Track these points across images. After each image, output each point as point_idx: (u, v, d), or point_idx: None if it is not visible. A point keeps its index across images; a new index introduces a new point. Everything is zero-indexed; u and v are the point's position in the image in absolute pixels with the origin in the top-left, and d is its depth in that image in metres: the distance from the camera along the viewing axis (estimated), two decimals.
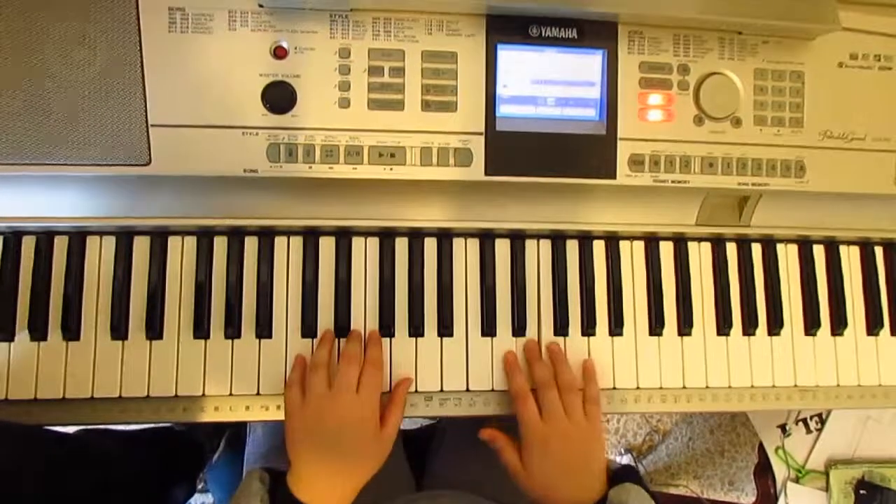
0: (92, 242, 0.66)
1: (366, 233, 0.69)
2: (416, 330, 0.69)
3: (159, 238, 0.67)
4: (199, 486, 1.16)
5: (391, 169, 0.64)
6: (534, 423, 0.64)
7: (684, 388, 0.71)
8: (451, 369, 0.69)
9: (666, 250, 0.73)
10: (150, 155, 0.61)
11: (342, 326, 0.68)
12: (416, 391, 0.68)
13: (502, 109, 0.65)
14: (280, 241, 0.68)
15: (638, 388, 0.71)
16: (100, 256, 0.66)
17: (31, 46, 0.59)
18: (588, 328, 0.71)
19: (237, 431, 1.05)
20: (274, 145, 0.62)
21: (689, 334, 0.72)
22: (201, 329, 0.66)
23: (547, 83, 0.66)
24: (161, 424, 1.03)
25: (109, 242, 0.67)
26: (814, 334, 0.74)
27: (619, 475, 0.62)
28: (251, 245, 0.68)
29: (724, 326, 0.73)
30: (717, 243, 0.74)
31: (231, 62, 0.61)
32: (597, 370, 0.69)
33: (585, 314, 0.71)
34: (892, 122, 0.70)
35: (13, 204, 0.64)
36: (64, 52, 0.60)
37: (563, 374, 0.67)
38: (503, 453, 0.65)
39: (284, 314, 0.67)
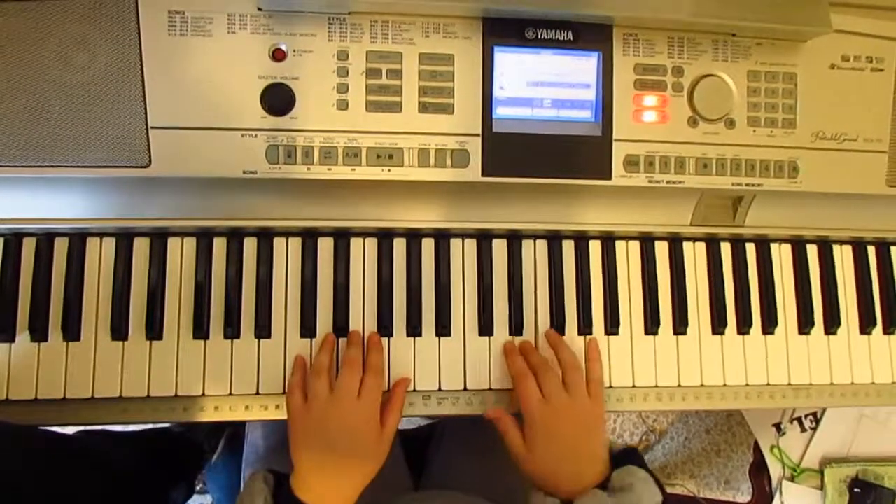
0: (92, 244, 0.67)
1: (364, 233, 0.70)
2: (414, 330, 0.69)
3: (159, 239, 0.67)
4: (198, 487, 1.16)
5: (389, 170, 0.64)
6: (535, 401, 0.63)
7: (679, 386, 0.72)
8: (449, 369, 0.69)
9: (661, 250, 0.74)
10: (149, 157, 0.62)
11: (341, 326, 0.68)
12: (415, 390, 0.68)
13: (499, 111, 0.66)
14: (279, 242, 0.69)
15: (634, 386, 0.71)
16: (100, 257, 0.67)
17: (32, 49, 0.60)
18: (584, 327, 0.71)
19: (236, 432, 1.05)
20: (273, 147, 0.63)
21: (684, 333, 0.73)
22: (201, 329, 0.66)
23: (543, 85, 0.66)
24: (160, 426, 1.03)
25: (109, 244, 0.67)
26: (807, 333, 0.75)
27: (621, 457, 0.61)
28: (250, 246, 0.68)
29: (718, 325, 0.73)
30: (712, 243, 0.75)
31: (230, 64, 0.62)
32: None
33: (581, 313, 0.71)
34: (883, 123, 0.71)
35: (14, 205, 0.64)
36: (64, 54, 0.60)
37: (563, 353, 0.67)
38: (507, 435, 0.64)
39: (283, 314, 0.68)
